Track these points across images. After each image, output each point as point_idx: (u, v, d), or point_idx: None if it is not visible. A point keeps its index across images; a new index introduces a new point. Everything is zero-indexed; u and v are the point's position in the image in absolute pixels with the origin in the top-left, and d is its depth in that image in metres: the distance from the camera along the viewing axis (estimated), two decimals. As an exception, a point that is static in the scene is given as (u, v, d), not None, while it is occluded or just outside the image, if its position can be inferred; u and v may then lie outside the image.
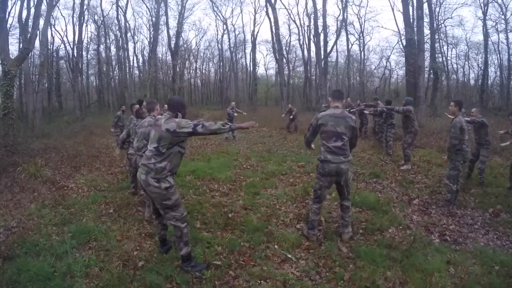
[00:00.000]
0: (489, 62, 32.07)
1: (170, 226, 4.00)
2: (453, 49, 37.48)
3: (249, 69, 45.40)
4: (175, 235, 3.85)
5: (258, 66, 53.14)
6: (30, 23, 14.74)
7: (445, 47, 34.58)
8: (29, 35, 12.74)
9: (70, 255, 4.25)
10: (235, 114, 15.10)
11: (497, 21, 30.32)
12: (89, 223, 5.30)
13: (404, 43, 22.48)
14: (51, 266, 3.99)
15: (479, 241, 4.94)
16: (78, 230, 5.00)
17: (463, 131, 6.01)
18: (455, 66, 39.56)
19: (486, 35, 29.21)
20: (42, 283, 3.68)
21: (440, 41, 31.83)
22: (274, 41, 28.79)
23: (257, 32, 44.55)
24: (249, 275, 3.91)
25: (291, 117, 16.81)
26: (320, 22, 26.40)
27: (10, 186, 7.36)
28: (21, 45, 21.54)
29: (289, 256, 4.39)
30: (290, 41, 43.73)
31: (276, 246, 4.65)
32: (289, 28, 43.49)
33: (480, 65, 35.45)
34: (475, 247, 4.67)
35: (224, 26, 40.96)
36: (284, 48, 38.18)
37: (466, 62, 39.11)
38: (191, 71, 51.78)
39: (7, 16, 16.56)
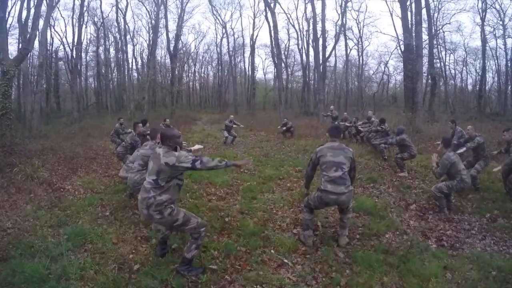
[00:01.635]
0: (487, 68, 32.30)
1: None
2: (451, 54, 37.68)
3: (247, 73, 45.53)
4: (192, 236, 3.88)
5: (257, 70, 53.28)
6: (30, 24, 14.74)
7: (443, 53, 34.79)
8: (28, 36, 12.73)
9: (65, 257, 4.23)
10: (234, 126, 15.10)
11: (495, 27, 30.60)
12: (85, 225, 5.28)
13: (403, 49, 22.56)
14: (46, 268, 3.97)
15: (476, 246, 4.94)
16: (74, 232, 4.98)
17: (453, 166, 6.06)
18: (453, 71, 39.78)
19: (484, 40, 29.42)
20: (37, 285, 3.65)
21: (438, 46, 32.00)
22: (273, 45, 28.92)
23: (256, 36, 44.80)
24: (245, 280, 3.90)
25: (285, 128, 16.69)
26: (319, 27, 26.58)
27: (7, 186, 7.32)
28: (20, 45, 21.52)
29: (286, 261, 4.39)
30: (289, 46, 43.98)
31: (272, 251, 4.64)
32: (288, 32, 43.66)
33: (478, 71, 35.66)
34: (472, 253, 4.67)
35: (223, 30, 41.15)
36: (282, 52, 38.27)
37: (464, 68, 39.34)
38: (190, 74, 51.99)
39: (6, 16, 16.55)
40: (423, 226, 5.64)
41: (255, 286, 3.79)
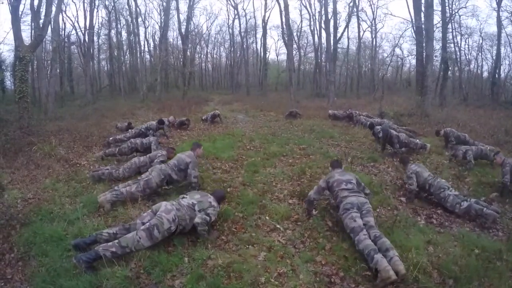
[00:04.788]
0: (503, 55, 31.17)
1: None
2: (468, 39, 36.21)
3: (260, 54, 45.30)
4: None
5: (269, 52, 52.74)
6: (42, 10, 15.03)
7: (458, 37, 33.71)
8: (42, 22, 13.02)
9: (81, 221, 4.76)
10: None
11: None
12: (99, 194, 5.61)
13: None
14: (63, 230, 4.51)
15: (465, 226, 5.14)
16: (89, 200, 5.51)
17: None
18: (468, 57, 38.37)
19: (499, 26, 28.26)
20: (55, 243, 4.20)
21: (453, 31, 31.12)
22: (284, 26, 28.78)
23: (268, 17, 44.20)
24: (239, 240, 4.38)
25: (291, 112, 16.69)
26: (330, 8, 26.29)
27: (26, 163, 7.85)
28: (32, 31, 21.85)
29: (278, 226, 4.83)
30: (301, 27, 43.36)
31: (267, 217, 5.09)
32: (301, 13, 43.10)
33: (494, 57, 34.35)
34: (460, 231, 4.89)
35: (235, 11, 40.66)
36: (295, 33, 37.89)
37: (480, 54, 37.95)
38: (202, 55, 51.84)
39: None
40: (415, 204, 5.90)
41: (247, 246, 4.26)
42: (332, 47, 26.26)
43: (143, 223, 4.07)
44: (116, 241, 3.84)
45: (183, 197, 4.64)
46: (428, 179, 6.02)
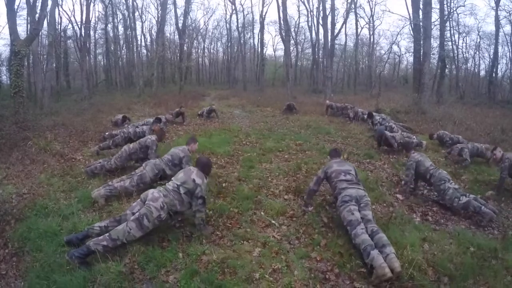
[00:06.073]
0: (501, 54, 31.14)
1: None
2: (465, 37, 36.02)
3: (257, 49, 45.19)
4: None
5: (266, 47, 52.53)
6: (38, 4, 14.90)
7: (456, 35, 33.61)
8: (38, 16, 12.92)
9: (76, 216, 4.73)
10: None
11: (510, 12, 29.28)
12: (93, 190, 5.58)
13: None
14: (58, 225, 4.48)
15: (461, 224, 5.16)
16: (84, 195, 5.47)
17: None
18: (466, 55, 38.21)
19: (497, 25, 28.22)
20: (50, 238, 4.18)
21: (451, 29, 31.07)
22: (281, 21, 28.67)
23: (266, 13, 43.73)
24: (234, 236, 4.38)
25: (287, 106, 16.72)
26: (328, 4, 26.23)
27: (21, 158, 7.77)
28: (28, 25, 21.68)
29: (273, 222, 4.82)
30: (299, 23, 43.40)
31: (262, 213, 5.09)
32: (299, 9, 43.08)
33: (491, 56, 34.22)
34: (455, 229, 4.91)
35: (233, 6, 40.48)
36: (293, 29, 37.80)
37: (477, 52, 37.81)
38: (199, 50, 51.67)
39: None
40: (411, 201, 5.92)
41: (241, 242, 4.26)
42: (329, 43, 26.27)
43: (133, 213, 4.05)
44: (107, 234, 3.82)
45: (170, 180, 4.57)
46: (430, 168, 5.97)
